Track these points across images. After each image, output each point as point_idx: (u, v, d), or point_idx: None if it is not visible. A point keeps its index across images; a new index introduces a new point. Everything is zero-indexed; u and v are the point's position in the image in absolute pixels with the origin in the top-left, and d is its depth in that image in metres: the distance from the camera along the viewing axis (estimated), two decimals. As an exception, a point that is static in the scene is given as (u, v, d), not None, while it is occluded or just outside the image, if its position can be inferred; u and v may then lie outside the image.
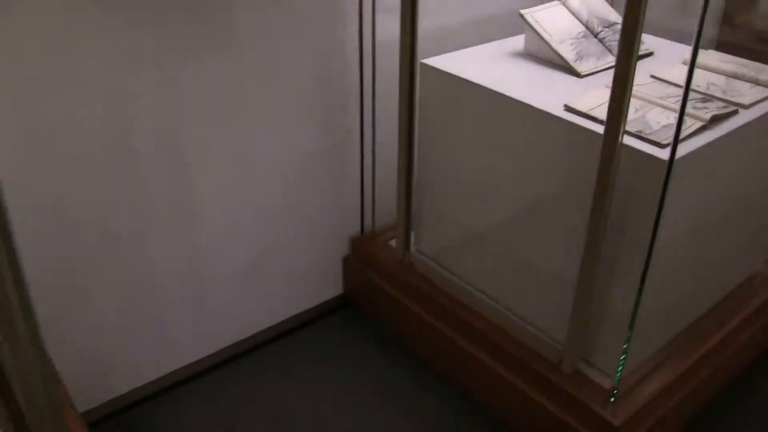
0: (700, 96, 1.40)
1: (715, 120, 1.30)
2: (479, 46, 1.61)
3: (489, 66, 1.51)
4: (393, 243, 1.75)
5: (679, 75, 1.49)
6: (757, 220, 1.61)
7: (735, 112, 1.36)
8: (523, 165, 1.40)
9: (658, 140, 1.23)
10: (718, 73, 1.51)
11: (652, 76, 1.47)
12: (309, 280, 1.77)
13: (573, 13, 1.58)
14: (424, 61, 1.50)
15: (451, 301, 1.59)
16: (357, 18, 1.55)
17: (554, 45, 1.49)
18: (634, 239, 1.25)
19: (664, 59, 1.58)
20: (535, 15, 1.53)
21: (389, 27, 1.54)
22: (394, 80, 1.53)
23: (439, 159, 1.56)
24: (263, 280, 1.68)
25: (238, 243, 1.59)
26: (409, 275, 1.66)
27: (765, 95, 1.42)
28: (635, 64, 1.12)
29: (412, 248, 1.70)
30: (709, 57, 1.56)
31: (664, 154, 1.18)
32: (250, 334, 1.72)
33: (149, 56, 1.30)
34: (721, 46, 2.47)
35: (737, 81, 1.49)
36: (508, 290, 1.53)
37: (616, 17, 1.66)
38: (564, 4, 1.59)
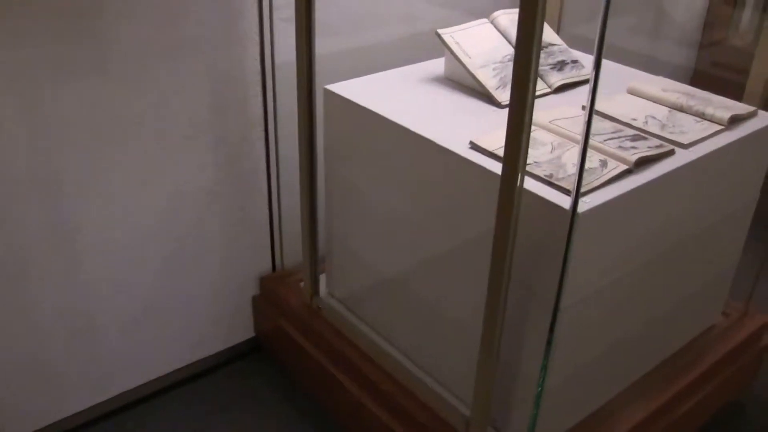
0: (632, 133, 1.22)
1: (642, 163, 1.13)
2: (398, 69, 1.44)
3: (401, 92, 1.34)
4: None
5: (619, 106, 1.32)
6: (707, 271, 1.42)
7: (670, 153, 1.18)
8: (430, 206, 1.23)
9: (568, 187, 1.05)
10: (662, 104, 1.34)
11: (585, 107, 1.30)
12: (216, 321, 1.60)
13: (501, 33, 1.41)
14: (329, 86, 1.34)
15: (359, 355, 1.41)
16: (258, 37, 1.39)
17: (473, 69, 1.32)
18: (542, 297, 1.08)
19: (609, 87, 1.40)
20: (455, 35, 1.36)
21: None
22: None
23: (346, 195, 1.40)
24: (163, 322, 1.52)
25: (131, 281, 1.44)
26: (316, 322, 1.49)
27: (709, 132, 1.24)
28: (533, 91, 0.95)
29: (324, 291, 1.53)
30: (653, 85, 1.38)
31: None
32: (148, 380, 1.56)
33: (8, 79, 1.15)
34: (698, 73, 2.31)
35: (682, 114, 1.31)
36: (418, 345, 1.36)
37: (553, 38, 1.48)
38: (492, 21, 1.42)
